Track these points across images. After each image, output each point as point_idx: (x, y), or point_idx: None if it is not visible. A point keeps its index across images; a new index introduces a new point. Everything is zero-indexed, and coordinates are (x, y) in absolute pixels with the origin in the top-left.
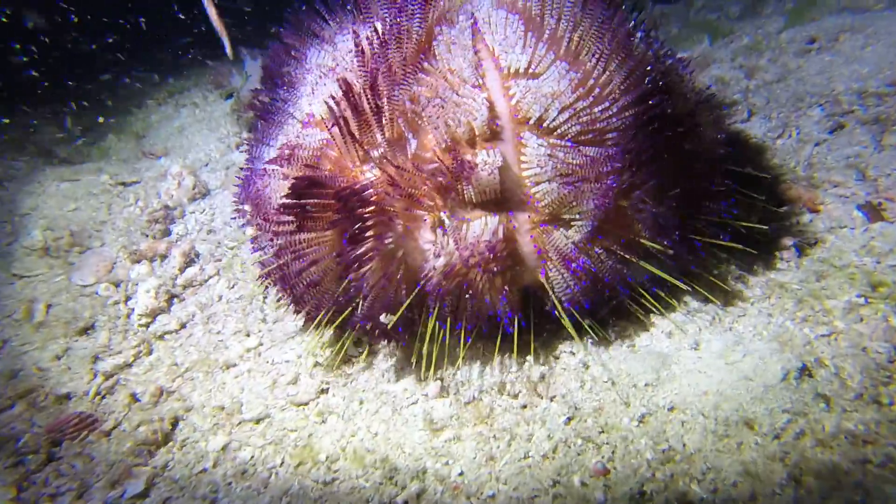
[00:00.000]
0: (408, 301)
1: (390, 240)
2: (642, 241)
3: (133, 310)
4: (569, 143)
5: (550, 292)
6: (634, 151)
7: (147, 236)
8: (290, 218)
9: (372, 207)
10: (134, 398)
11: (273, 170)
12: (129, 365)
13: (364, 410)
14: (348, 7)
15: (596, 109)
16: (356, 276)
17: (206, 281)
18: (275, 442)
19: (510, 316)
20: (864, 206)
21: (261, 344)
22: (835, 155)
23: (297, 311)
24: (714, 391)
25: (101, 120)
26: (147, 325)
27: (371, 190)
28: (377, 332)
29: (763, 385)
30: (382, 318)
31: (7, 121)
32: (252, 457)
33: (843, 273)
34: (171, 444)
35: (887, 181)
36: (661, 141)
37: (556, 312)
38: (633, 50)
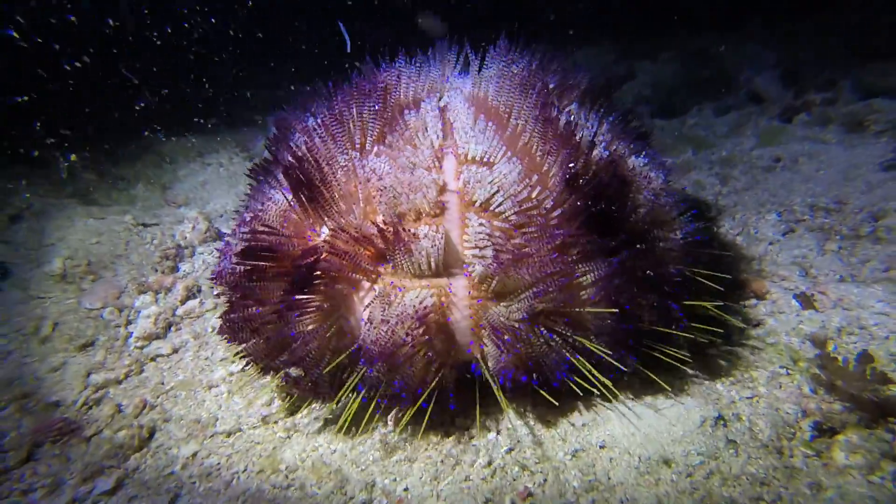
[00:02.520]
0: (333, 362)
1: (330, 301)
2: (582, 331)
3: (132, 333)
4: (510, 227)
5: (483, 366)
6: (577, 241)
7: (157, 271)
8: (239, 279)
9: (317, 271)
10: (118, 409)
11: (240, 236)
12: (119, 381)
13: (327, 430)
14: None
15: (539, 199)
16: (296, 331)
17: (203, 314)
18: (241, 452)
19: (421, 393)
20: (799, 296)
21: (244, 370)
22: (784, 254)
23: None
24: (641, 433)
25: (133, 172)
26: (142, 348)
27: (311, 258)
28: (294, 382)
29: (683, 430)
30: (292, 370)
31: (66, 165)
32: (218, 463)
33: (774, 349)
34: (145, 450)
35: (824, 279)
36: (606, 235)
37: (492, 384)
38: (577, 150)
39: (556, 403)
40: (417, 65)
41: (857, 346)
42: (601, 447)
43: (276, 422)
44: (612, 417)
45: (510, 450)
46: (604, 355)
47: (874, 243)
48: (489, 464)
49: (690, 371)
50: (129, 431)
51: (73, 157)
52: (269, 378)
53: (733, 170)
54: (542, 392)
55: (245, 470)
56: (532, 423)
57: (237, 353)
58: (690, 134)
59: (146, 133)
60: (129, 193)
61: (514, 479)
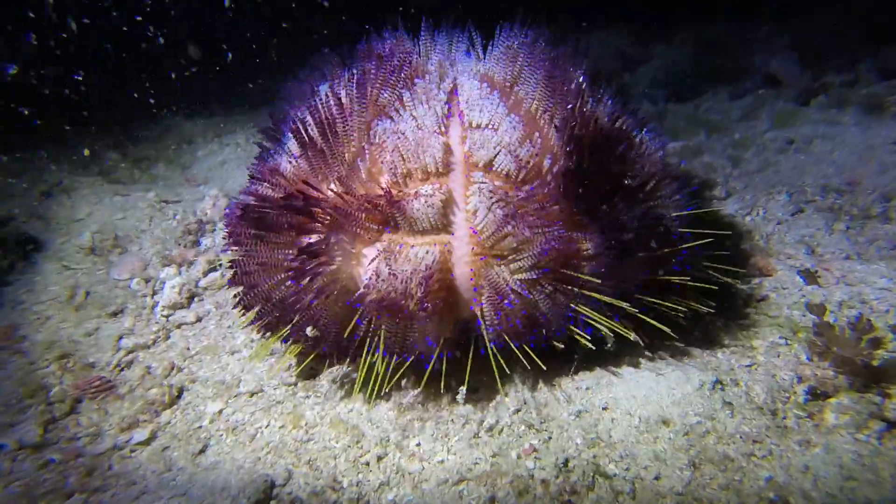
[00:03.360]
0: (346, 322)
1: (337, 260)
2: (586, 288)
3: (158, 302)
4: (513, 185)
5: (483, 327)
6: (580, 199)
7: (180, 245)
8: (251, 231)
9: (321, 228)
10: (148, 371)
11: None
12: (148, 346)
13: (345, 390)
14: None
15: (540, 156)
16: (303, 289)
17: (224, 285)
18: (264, 409)
19: (432, 346)
20: (803, 271)
21: (264, 336)
22: (792, 233)
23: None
24: (642, 396)
25: (154, 152)
26: (168, 317)
27: (319, 205)
28: (308, 343)
29: (682, 393)
30: (308, 330)
31: (86, 150)
32: (244, 419)
33: (775, 321)
34: (175, 407)
35: (830, 257)
36: (607, 194)
37: (486, 348)
38: (582, 114)
39: (545, 368)
40: (428, 38)
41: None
42: (603, 408)
43: (295, 384)
44: (614, 381)
45: (517, 410)
46: (605, 303)
47: (883, 223)
48: (496, 422)
49: (692, 340)
50: (159, 390)
51: (86, 150)
52: (288, 343)
53: (745, 152)
54: (533, 356)
55: (268, 425)
56: (539, 384)
57: (253, 322)
58: (704, 117)
59: (166, 112)
60: (150, 173)
61: (520, 437)
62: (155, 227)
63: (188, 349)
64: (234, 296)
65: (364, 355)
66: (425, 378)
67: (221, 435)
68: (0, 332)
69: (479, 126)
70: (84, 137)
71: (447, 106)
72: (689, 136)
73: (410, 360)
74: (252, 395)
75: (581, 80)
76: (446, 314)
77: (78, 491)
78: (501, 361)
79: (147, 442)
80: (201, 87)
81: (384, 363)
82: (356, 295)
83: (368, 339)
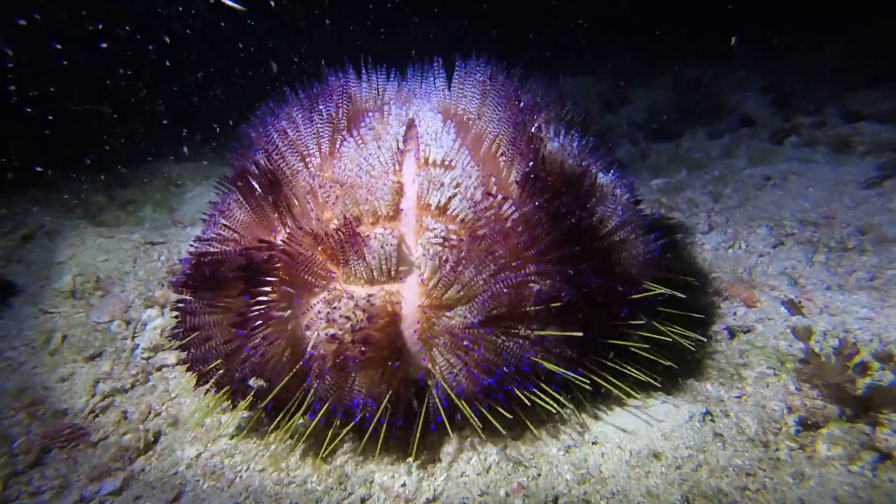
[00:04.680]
0: (286, 377)
1: (284, 313)
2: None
3: (138, 345)
4: (467, 232)
5: (438, 378)
6: (537, 245)
7: (163, 286)
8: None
9: (270, 278)
10: (124, 415)
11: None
12: (126, 390)
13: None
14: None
15: (497, 202)
16: (249, 345)
17: None
18: (244, 453)
19: (371, 406)
20: (787, 302)
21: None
22: (774, 265)
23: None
24: (631, 429)
25: (141, 194)
26: (148, 359)
27: (264, 255)
28: (257, 396)
29: (672, 426)
30: (251, 381)
31: (69, 195)
32: (222, 463)
33: (762, 352)
34: (150, 453)
35: (812, 287)
36: (567, 243)
37: (439, 400)
38: (538, 153)
39: (511, 416)
40: (388, 75)
41: None
42: (593, 443)
43: (278, 427)
44: (603, 416)
45: (504, 447)
46: (554, 368)
47: (860, 255)
48: (484, 460)
49: (679, 372)
50: (134, 435)
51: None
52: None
53: (725, 188)
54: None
55: (248, 469)
56: (522, 424)
57: (198, 379)
58: (685, 156)
59: (158, 158)
60: (137, 215)
61: (509, 475)
62: (139, 268)
63: (167, 391)
64: (183, 360)
65: (303, 411)
66: (365, 438)
67: (198, 480)
68: None
69: (434, 163)
70: (69, 181)
71: (403, 139)
72: (671, 173)
73: (353, 420)
74: (232, 437)
75: (546, 117)
76: (389, 368)
77: None
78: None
79: (118, 492)
80: (189, 129)
81: (325, 421)
82: (301, 346)
83: (311, 394)
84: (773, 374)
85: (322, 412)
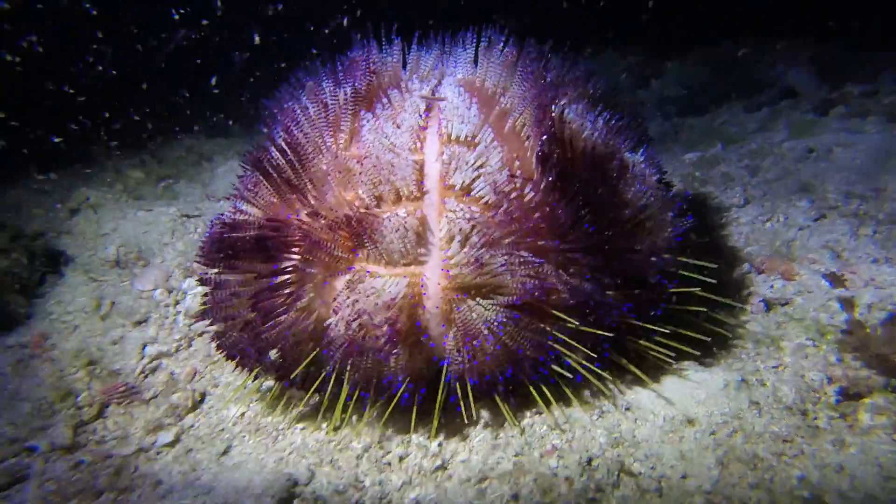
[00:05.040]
0: (311, 356)
1: (306, 292)
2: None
3: (180, 312)
4: (490, 213)
5: (461, 360)
6: (560, 230)
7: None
8: (217, 268)
9: (290, 256)
10: (172, 376)
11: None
12: (171, 353)
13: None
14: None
15: (521, 182)
16: (272, 324)
17: None
18: (284, 415)
19: (400, 385)
20: (828, 275)
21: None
22: (815, 239)
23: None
24: (665, 397)
25: (175, 171)
26: (190, 325)
27: (283, 236)
28: (273, 370)
29: (706, 393)
30: (271, 353)
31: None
32: (265, 421)
33: (801, 324)
34: (198, 411)
35: (856, 261)
36: (591, 225)
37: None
38: (567, 140)
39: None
40: (410, 49)
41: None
42: (626, 409)
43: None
44: (635, 385)
45: (536, 413)
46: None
47: None
48: (518, 424)
49: (713, 343)
50: (183, 394)
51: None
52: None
53: (763, 161)
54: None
55: (290, 427)
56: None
57: (223, 353)
58: (720, 129)
59: (190, 133)
60: (172, 190)
61: (543, 437)
62: (177, 240)
63: (209, 355)
64: (212, 335)
65: (330, 388)
66: (388, 411)
67: (244, 436)
68: (33, 340)
69: (457, 140)
70: (109, 158)
71: (426, 115)
72: (705, 147)
73: (381, 397)
74: (274, 398)
75: (573, 94)
76: (415, 351)
77: (107, 490)
78: (463, 402)
79: (172, 444)
80: (221, 106)
81: (348, 396)
82: (324, 327)
83: (335, 374)
84: (813, 345)
85: (345, 391)
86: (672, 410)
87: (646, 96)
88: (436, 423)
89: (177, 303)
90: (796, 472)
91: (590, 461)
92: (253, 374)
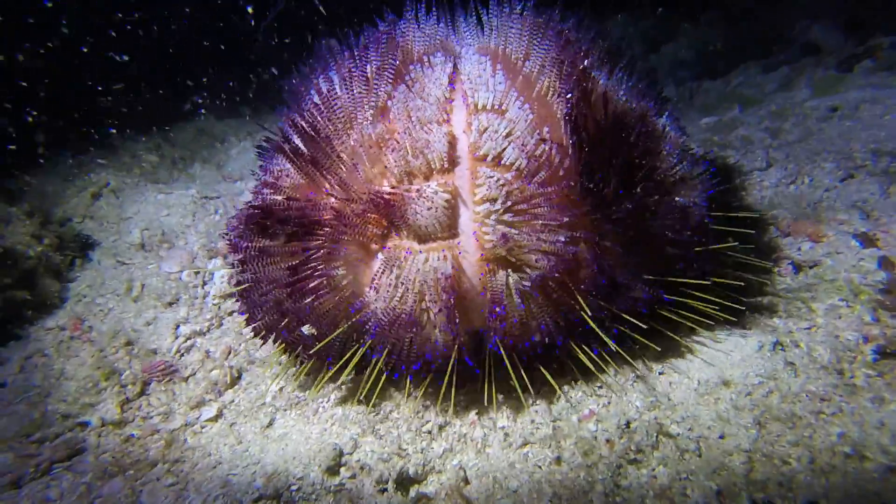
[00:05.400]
0: (340, 329)
1: (338, 269)
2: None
3: (209, 292)
4: (522, 180)
5: (495, 332)
6: (592, 194)
7: (223, 238)
8: (248, 249)
9: (321, 234)
10: (207, 354)
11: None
12: (204, 333)
13: None
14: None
15: (551, 147)
16: (308, 302)
17: None
18: (321, 388)
19: (441, 358)
20: (859, 235)
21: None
22: (843, 199)
23: (250, 325)
24: (699, 360)
25: (189, 153)
26: (219, 305)
27: (313, 215)
28: (305, 347)
29: (741, 356)
30: (304, 329)
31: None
32: (304, 395)
33: (832, 285)
34: (237, 387)
35: (888, 220)
36: (624, 187)
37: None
38: (596, 103)
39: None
40: (428, 20)
41: None
42: (660, 373)
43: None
44: (670, 348)
45: (573, 380)
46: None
47: None
48: (554, 392)
49: (746, 308)
50: (221, 371)
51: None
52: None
53: (784, 123)
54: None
55: (330, 399)
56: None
57: (253, 330)
58: (737, 92)
59: (200, 116)
60: (188, 172)
61: (579, 402)
62: (198, 221)
63: (241, 334)
64: (245, 316)
65: (374, 365)
66: (424, 385)
67: (286, 410)
68: (70, 323)
69: (484, 108)
70: (122, 141)
71: (450, 87)
72: (722, 111)
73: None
74: (309, 373)
75: (596, 59)
76: (461, 320)
77: (161, 461)
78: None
79: (215, 419)
80: (231, 88)
81: (387, 371)
82: (360, 304)
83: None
84: (846, 305)
85: (379, 362)
86: (707, 373)
87: (657, 62)
88: (486, 392)
89: (204, 283)
90: (836, 429)
91: (628, 424)
92: (292, 352)
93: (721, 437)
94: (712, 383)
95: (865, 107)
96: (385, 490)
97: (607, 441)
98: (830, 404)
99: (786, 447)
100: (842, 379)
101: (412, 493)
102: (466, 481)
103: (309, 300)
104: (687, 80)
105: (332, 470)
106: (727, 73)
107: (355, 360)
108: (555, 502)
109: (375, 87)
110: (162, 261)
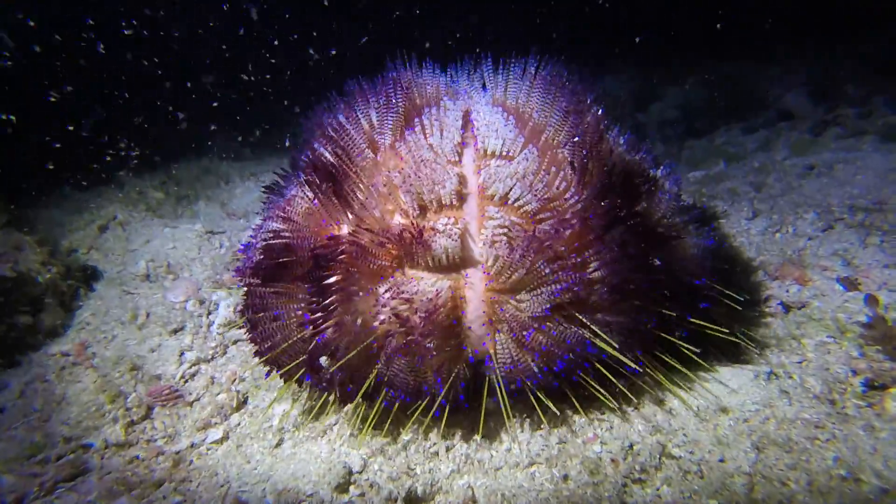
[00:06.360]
0: (347, 356)
1: (356, 298)
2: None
3: (213, 322)
4: (529, 220)
5: (494, 363)
6: (593, 235)
7: (228, 270)
8: (258, 280)
9: (336, 268)
10: (212, 380)
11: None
12: (209, 360)
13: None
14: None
15: (558, 191)
16: (316, 333)
17: None
18: (328, 413)
19: (439, 385)
20: (843, 279)
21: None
22: (825, 248)
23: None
24: (697, 389)
25: (193, 191)
26: (223, 334)
27: (330, 250)
28: (321, 379)
29: (737, 384)
30: (322, 360)
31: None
32: (310, 417)
33: (820, 323)
34: (242, 411)
35: (867, 267)
36: (623, 232)
37: (497, 385)
38: (601, 152)
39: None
40: (442, 72)
41: None
42: (660, 402)
43: None
44: (667, 381)
45: (575, 406)
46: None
47: None
48: (557, 417)
49: (738, 344)
50: (227, 395)
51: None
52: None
53: (767, 177)
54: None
55: (337, 422)
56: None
57: (262, 361)
58: (722, 149)
59: (208, 155)
60: (192, 209)
61: (583, 427)
62: (204, 255)
63: (246, 361)
64: (254, 352)
65: (382, 396)
66: (430, 413)
67: (294, 431)
68: (75, 348)
69: (493, 154)
70: (129, 178)
71: (461, 133)
72: (709, 165)
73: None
74: (315, 399)
75: (600, 112)
76: (454, 347)
77: (167, 481)
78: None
79: (222, 441)
80: (236, 131)
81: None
82: (370, 330)
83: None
84: (834, 341)
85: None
86: (705, 401)
87: (645, 120)
88: (482, 418)
89: (209, 313)
90: (831, 453)
91: (631, 446)
92: (302, 382)
93: (721, 459)
94: (711, 410)
95: (839, 167)
96: None
97: (612, 461)
98: (824, 431)
99: (784, 470)
100: (834, 408)
101: None
102: (475, 501)
103: (330, 332)
104: (673, 138)
105: (342, 488)
106: (711, 133)
107: (364, 388)
108: None
109: (390, 127)
110: (167, 291)
